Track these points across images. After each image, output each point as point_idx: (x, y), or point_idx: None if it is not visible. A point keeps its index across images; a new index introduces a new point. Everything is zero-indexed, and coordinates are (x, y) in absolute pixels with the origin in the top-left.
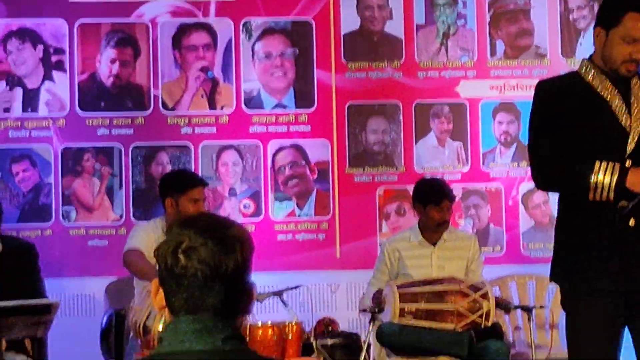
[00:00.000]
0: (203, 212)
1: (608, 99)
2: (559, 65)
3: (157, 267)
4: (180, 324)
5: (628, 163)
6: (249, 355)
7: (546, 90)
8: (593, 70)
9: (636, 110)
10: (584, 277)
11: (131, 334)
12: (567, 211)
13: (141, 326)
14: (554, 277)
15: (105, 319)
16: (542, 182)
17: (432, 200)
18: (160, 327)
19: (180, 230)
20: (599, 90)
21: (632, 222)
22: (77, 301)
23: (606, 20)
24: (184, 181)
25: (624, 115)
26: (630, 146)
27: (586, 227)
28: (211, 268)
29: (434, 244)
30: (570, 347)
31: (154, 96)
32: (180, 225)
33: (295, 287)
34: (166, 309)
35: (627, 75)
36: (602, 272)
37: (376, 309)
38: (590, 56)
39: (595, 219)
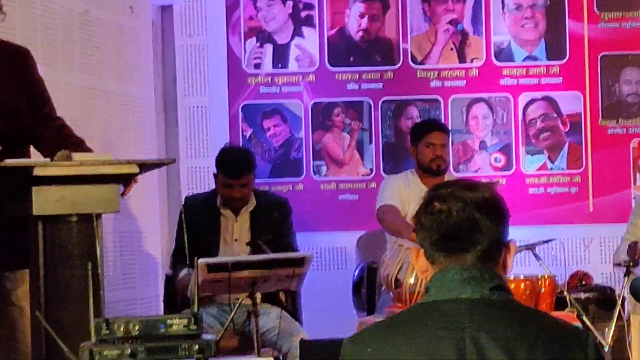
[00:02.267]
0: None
1: None
2: None
3: (409, 223)
4: (447, 273)
5: None
6: (516, 305)
7: None
8: None
9: None
10: None
11: (383, 287)
12: None
13: (393, 279)
14: None
15: (357, 272)
16: None
17: None
18: (411, 280)
19: (431, 191)
20: None
21: None
22: (328, 255)
23: None
24: (421, 127)
25: None
26: None
27: None
28: (465, 204)
29: None
30: None
31: (403, 50)
32: (430, 190)
33: (548, 241)
34: (427, 272)
35: None
36: None
37: (631, 263)
38: None
39: None
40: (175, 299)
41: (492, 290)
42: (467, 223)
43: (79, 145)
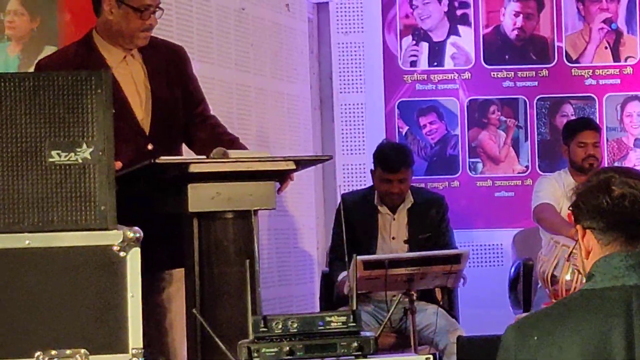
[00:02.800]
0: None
1: None
2: None
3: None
4: (612, 259)
5: None
6: None
7: None
8: None
9: None
10: None
11: (539, 283)
12: None
13: (549, 276)
14: None
15: (513, 269)
16: None
17: None
18: (567, 277)
19: (603, 173)
20: None
21: None
22: (485, 251)
23: None
24: (573, 126)
25: None
26: None
27: None
28: None
29: None
30: None
31: (558, 48)
32: (599, 173)
33: None
34: (591, 253)
35: None
36: None
37: None
38: None
39: None
40: (331, 297)
41: None
42: (636, 215)
43: (234, 143)
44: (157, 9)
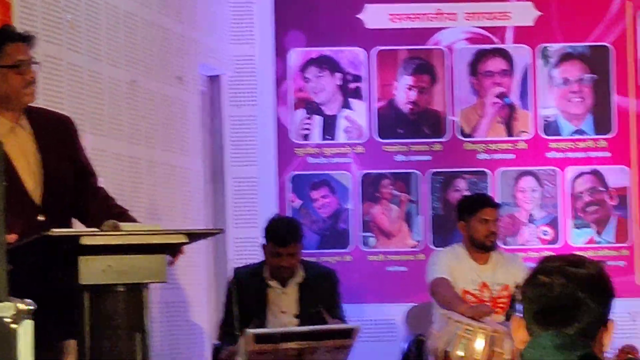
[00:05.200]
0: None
1: None
2: None
3: (461, 296)
4: (541, 339)
5: None
6: None
7: None
8: None
9: None
10: None
11: (431, 359)
12: None
13: (442, 352)
14: None
15: (406, 344)
16: None
17: None
18: (460, 353)
19: (538, 264)
20: None
21: None
22: (377, 326)
23: None
24: (473, 203)
25: None
26: None
27: None
28: (569, 281)
29: None
30: None
31: (451, 122)
32: (538, 262)
33: None
34: (526, 344)
35: None
36: None
37: None
38: None
39: None
40: None
41: (581, 358)
42: (568, 299)
43: (125, 215)
44: (32, 63)
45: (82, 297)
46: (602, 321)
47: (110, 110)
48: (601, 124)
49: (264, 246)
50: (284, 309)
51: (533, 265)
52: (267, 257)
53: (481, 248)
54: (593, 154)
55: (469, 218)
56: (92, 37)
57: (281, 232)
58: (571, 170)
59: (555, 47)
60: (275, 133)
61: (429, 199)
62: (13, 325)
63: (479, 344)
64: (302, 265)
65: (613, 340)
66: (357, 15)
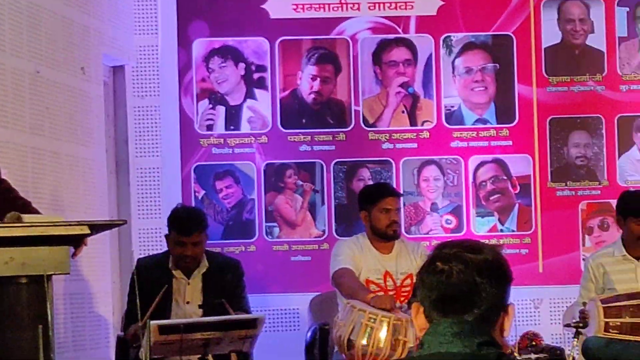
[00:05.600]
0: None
1: None
2: None
3: (364, 285)
4: (439, 326)
5: None
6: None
7: None
8: None
9: None
10: None
11: (335, 348)
12: None
13: (345, 341)
14: None
15: (309, 333)
16: None
17: (632, 212)
18: (364, 341)
19: (436, 250)
20: None
21: None
22: (281, 316)
23: None
24: (374, 192)
25: None
26: None
27: None
28: (467, 267)
29: (638, 258)
30: None
31: (355, 112)
32: (436, 247)
33: None
34: (425, 330)
35: None
36: None
37: (580, 324)
38: None
39: None
40: None
41: (480, 345)
42: (466, 285)
43: (27, 207)
44: None
45: None
46: (501, 306)
47: (14, 101)
48: (503, 113)
49: (167, 236)
50: (188, 299)
51: None
52: (171, 247)
53: (383, 237)
54: (495, 143)
55: (370, 208)
56: None
57: (185, 221)
58: (474, 159)
59: (458, 37)
60: (179, 123)
61: (332, 188)
62: None
63: (383, 332)
64: (206, 256)
65: (516, 327)
66: (262, 6)
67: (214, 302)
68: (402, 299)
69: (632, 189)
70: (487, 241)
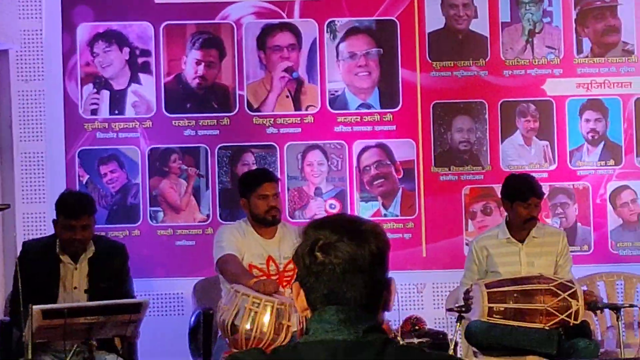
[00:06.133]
0: (336, 213)
1: None
2: None
3: (248, 270)
4: (325, 314)
5: None
6: (392, 346)
7: None
8: None
9: None
10: None
11: (219, 333)
12: None
13: (229, 325)
14: None
15: (193, 318)
16: None
17: (518, 196)
18: (247, 326)
19: (315, 231)
20: None
21: None
22: (165, 301)
23: None
24: (251, 179)
25: None
26: None
27: None
28: (348, 262)
29: (522, 241)
30: None
31: (239, 97)
32: (315, 227)
33: None
34: (307, 310)
35: None
36: None
37: (463, 308)
38: None
39: None
40: (10, 346)
41: (366, 332)
42: (350, 280)
43: None
44: None
45: None
46: (383, 286)
47: None
48: (387, 98)
49: (55, 221)
50: (75, 285)
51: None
52: (59, 232)
53: (263, 223)
54: (379, 128)
55: (248, 195)
56: None
57: (73, 205)
58: (358, 144)
59: (342, 22)
60: (63, 108)
61: (217, 173)
62: None
63: (266, 317)
64: (92, 241)
65: (399, 312)
66: None
67: (100, 286)
68: (285, 283)
69: (516, 173)
70: None
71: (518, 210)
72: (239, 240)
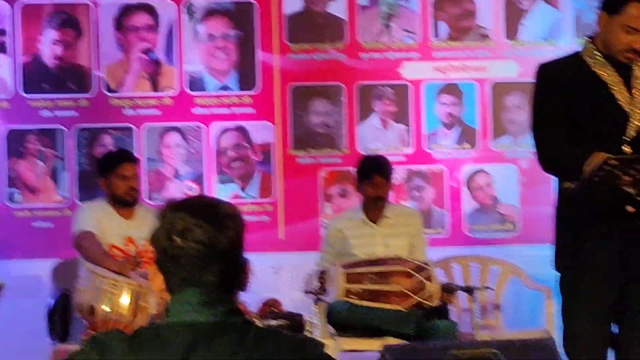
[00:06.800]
0: (194, 195)
1: (609, 84)
2: (503, 47)
3: (107, 251)
4: (185, 295)
5: (626, 148)
6: (252, 328)
7: (548, 73)
8: (595, 53)
9: (637, 96)
10: (586, 264)
11: (77, 314)
12: (569, 197)
13: (87, 307)
14: (556, 264)
15: (51, 300)
16: (544, 166)
17: (364, 175)
18: (105, 307)
19: (172, 214)
20: (600, 74)
21: (630, 208)
22: (23, 282)
23: (609, 6)
24: (111, 159)
25: (625, 101)
26: (630, 133)
27: (588, 213)
28: (206, 246)
29: (377, 222)
30: (567, 333)
31: (97, 78)
32: (172, 209)
33: None
34: (165, 291)
35: (626, 62)
36: (603, 259)
37: (320, 290)
38: (593, 37)
39: (598, 206)
40: None
41: (226, 314)
42: (211, 266)
43: None
44: None
45: None
46: (240, 267)
47: None
48: (245, 80)
49: None
50: None
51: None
52: None
53: (122, 204)
54: (237, 110)
55: (108, 175)
56: None
57: None
58: (216, 126)
59: (200, 3)
60: None
61: (75, 155)
62: None
63: (125, 298)
64: None
65: (256, 294)
66: None
67: None
68: (144, 265)
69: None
70: None
71: (365, 189)
72: (99, 218)
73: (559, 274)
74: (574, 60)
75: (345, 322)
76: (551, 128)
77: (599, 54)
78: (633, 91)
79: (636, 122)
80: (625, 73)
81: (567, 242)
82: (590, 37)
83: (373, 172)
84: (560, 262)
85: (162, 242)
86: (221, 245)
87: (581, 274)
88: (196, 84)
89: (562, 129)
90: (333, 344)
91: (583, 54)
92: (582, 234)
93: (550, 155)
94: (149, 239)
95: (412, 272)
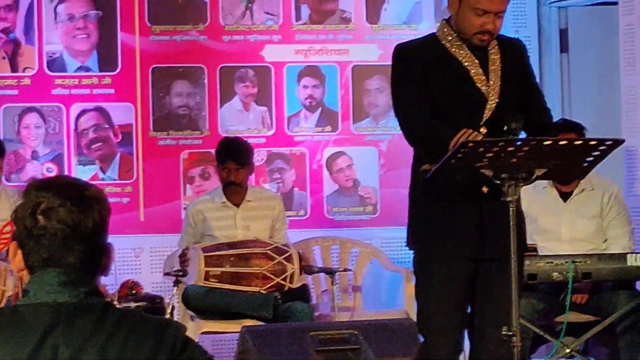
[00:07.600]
0: (60, 175)
1: (466, 65)
2: (364, 30)
3: None
4: (46, 276)
5: (483, 130)
6: (112, 309)
7: (405, 53)
8: (450, 36)
9: (494, 78)
10: (440, 242)
11: None
12: (423, 178)
13: None
14: (409, 242)
15: None
16: (410, 142)
17: (218, 159)
18: None
19: (38, 193)
20: (456, 56)
21: (485, 189)
22: None
23: None
24: None
25: (482, 82)
26: (487, 114)
27: (444, 193)
28: (70, 227)
29: (238, 205)
30: (421, 312)
31: None
32: (38, 188)
33: None
34: (25, 270)
35: (480, 45)
36: (457, 238)
37: (180, 273)
38: (449, 20)
39: (454, 187)
40: None
41: (87, 295)
42: (74, 248)
43: None
44: None
45: None
46: (103, 251)
47: None
48: (106, 61)
49: None
50: None
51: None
52: None
53: None
54: (98, 91)
55: None
56: None
57: None
58: (76, 107)
59: None
60: None
61: None
62: None
63: None
64: None
65: (116, 276)
66: None
67: None
68: (2, 245)
69: (229, 137)
70: None
71: (220, 174)
72: None
73: (413, 253)
74: (431, 41)
75: (203, 305)
76: (417, 105)
77: (456, 35)
78: (490, 74)
79: (492, 104)
80: (481, 56)
81: (419, 221)
82: (447, 20)
83: (226, 157)
84: (414, 240)
85: (25, 220)
86: (85, 227)
87: (435, 254)
88: (56, 64)
89: (428, 106)
90: (193, 326)
91: (439, 36)
92: (435, 213)
93: (421, 133)
94: (10, 217)
95: (272, 254)
